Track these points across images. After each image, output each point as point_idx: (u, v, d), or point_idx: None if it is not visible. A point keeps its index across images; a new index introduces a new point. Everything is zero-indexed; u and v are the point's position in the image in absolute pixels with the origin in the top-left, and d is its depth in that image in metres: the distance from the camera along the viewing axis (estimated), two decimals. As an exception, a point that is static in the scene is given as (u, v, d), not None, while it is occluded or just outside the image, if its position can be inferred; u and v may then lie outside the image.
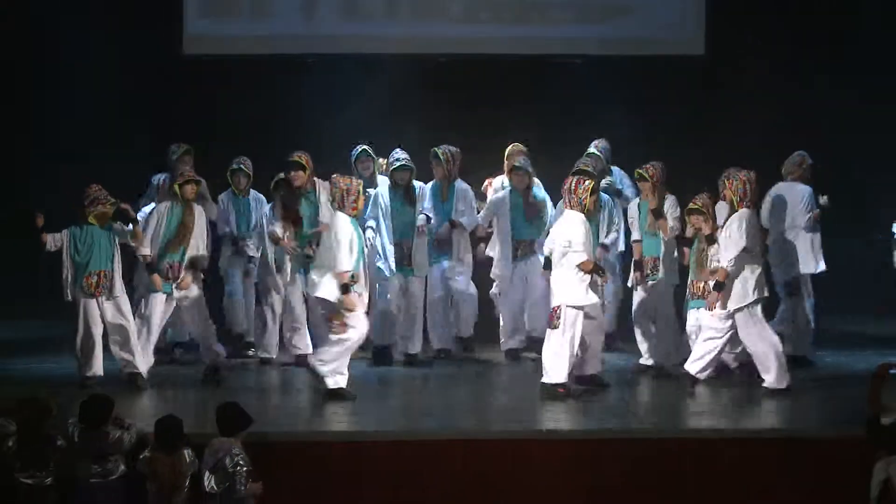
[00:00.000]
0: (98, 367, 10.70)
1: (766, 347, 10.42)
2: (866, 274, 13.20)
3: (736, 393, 10.70)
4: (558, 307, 10.32)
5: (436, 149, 12.02)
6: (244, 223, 12.26)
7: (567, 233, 10.34)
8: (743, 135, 13.15)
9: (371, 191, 11.76)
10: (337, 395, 10.20)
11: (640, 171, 11.26)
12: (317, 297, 10.41)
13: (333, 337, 10.24)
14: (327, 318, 10.34)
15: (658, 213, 11.10)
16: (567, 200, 10.45)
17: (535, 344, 11.64)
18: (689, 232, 10.97)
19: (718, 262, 10.50)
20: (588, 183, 10.42)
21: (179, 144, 12.32)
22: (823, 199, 11.53)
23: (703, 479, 9.08)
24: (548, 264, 10.76)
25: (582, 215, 10.37)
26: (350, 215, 10.29)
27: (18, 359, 11.97)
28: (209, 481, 8.25)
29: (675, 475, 9.08)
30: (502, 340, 12.24)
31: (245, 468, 8.24)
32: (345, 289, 10.14)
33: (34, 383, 10.47)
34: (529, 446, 9.16)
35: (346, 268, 10.13)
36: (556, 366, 10.31)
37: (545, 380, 10.35)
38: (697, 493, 9.06)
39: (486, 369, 11.92)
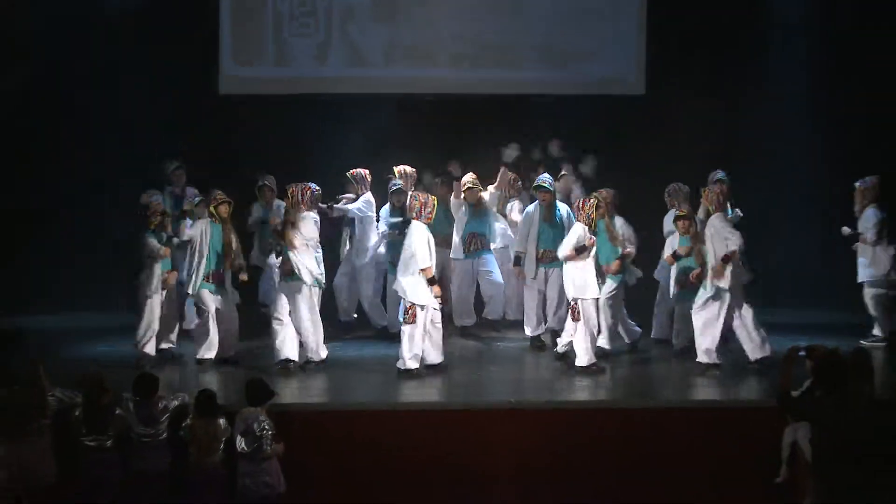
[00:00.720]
0: (151, 348, 10.91)
1: (708, 330, 10.60)
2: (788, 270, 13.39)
3: (676, 370, 10.95)
4: (576, 303, 10.65)
5: (394, 167, 12.27)
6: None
7: (569, 236, 10.83)
8: (679, 161, 13.25)
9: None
10: (410, 374, 10.41)
11: (595, 195, 11.42)
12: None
13: (406, 328, 10.39)
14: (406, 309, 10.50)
15: (613, 236, 11.34)
16: (577, 216, 10.93)
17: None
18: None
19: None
20: (592, 201, 10.91)
21: (172, 161, 12.64)
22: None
23: (653, 445, 9.30)
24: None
25: (585, 227, 10.78)
26: (424, 223, 10.53)
27: (88, 343, 12.07)
28: (240, 443, 8.50)
29: (628, 442, 9.33)
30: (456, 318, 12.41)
31: (270, 432, 8.49)
32: (431, 281, 10.40)
33: (97, 363, 10.49)
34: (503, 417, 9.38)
35: (425, 265, 10.38)
36: (585, 351, 10.64)
37: (578, 363, 10.66)
38: (651, 459, 9.27)
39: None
